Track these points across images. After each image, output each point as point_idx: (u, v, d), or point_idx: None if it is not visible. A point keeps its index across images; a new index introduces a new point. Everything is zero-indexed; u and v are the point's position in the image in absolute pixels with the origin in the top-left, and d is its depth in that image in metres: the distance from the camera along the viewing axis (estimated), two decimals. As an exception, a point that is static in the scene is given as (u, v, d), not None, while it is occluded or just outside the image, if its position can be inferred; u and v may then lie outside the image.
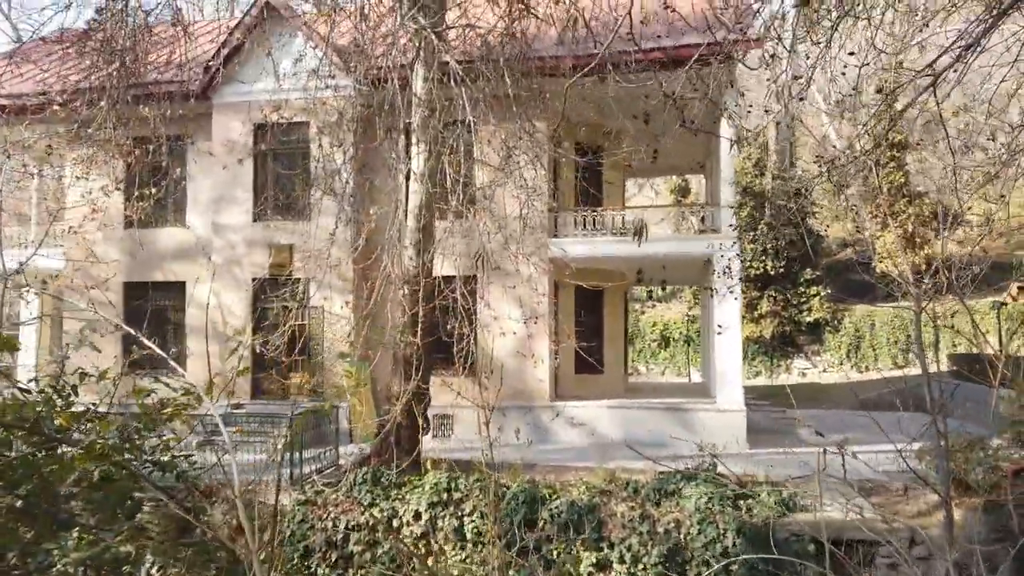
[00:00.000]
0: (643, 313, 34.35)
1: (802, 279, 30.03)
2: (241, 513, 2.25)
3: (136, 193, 13.24)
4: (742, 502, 9.93)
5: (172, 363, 3.06)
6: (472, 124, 9.98)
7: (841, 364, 29.55)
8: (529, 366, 16.09)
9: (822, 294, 29.91)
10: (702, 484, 10.13)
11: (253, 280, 16.61)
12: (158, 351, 2.69)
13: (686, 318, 31.55)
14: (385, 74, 11.78)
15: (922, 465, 9.84)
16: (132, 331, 2.86)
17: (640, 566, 9.49)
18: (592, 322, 18.67)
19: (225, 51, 16.08)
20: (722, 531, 9.42)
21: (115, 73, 9.93)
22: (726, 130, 16.07)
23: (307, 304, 16.02)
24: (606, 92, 12.62)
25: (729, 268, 14.09)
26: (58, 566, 2.28)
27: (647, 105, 14.71)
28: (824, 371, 29.67)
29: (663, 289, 32.20)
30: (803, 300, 29.99)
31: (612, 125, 16.58)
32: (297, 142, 16.60)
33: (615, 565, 9.63)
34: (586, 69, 6.66)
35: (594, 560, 9.69)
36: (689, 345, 31.36)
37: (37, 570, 2.38)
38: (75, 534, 2.26)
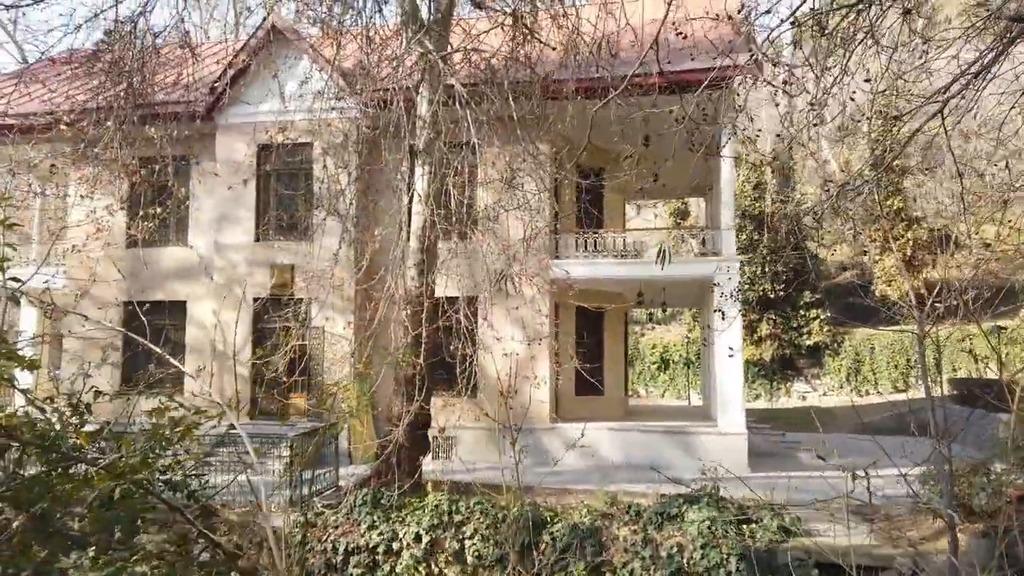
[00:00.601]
0: (643, 335, 34.34)
1: (802, 302, 30.08)
2: (269, 534, 2.24)
3: (141, 212, 13.28)
4: (745, 526, 9.86)
5: (206, 388, 3.10)
6: (476, 146, 10.05)
7: (841, 387, 29.51)
8: (530, 387, 16.06)
9: (822, 317, 29.95)
10: (705, 508, 10.06)
11: (255, 300, 16.60)
12: (187, 371, 2.71)
13: (686, 340, 31.53)
14: (390, 96, 11.89)
15: (926, 490, 9.79)
16: (159, 350, 2.87)
17: (643, 591, 9.39)
18: (593, 344, 18.66)
19: (231, 73, 16.22)
20: (725, 556, 9.33)
21: (122, 93, 10.01)
22: (727, 154, 16.24)
23: (308, 324, 16.00)
24: (609, 115, 12.78)
25: (737, 291, 14.14)
26: (72, 586, 2.27)
27: (647, 128, 14.88)
28: (824, 394, 29.61)
29: (664, 311, 32.19)
30: (803, 323, 30.03)
31: (614, 148, 16.71)
32: (300, 163, 16.70)
33: (617, 590, 9.54)
34: (614, 92, 6.73)
35: (596, 584, 9.59)
36: (689, 368, 31.31)
37: (51, 590, 2.37)
38: (91, 553, 2.25)
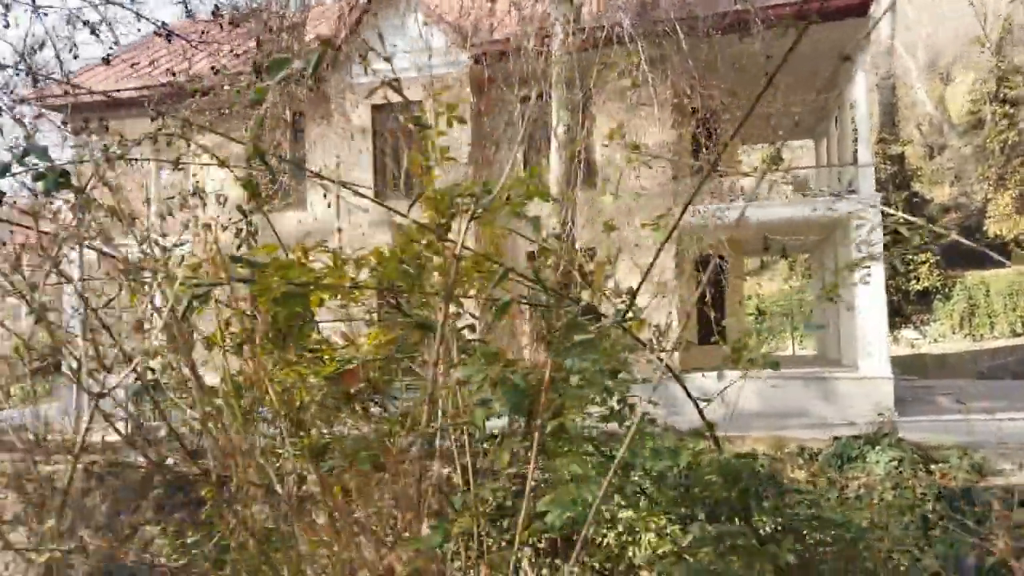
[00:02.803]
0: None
1: (908, 246, 28.78)
2: None
3: (311, 172, 13.43)
4: (934, 466, 9.50)
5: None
6: (649, 76, 9.69)
7: (953, 333, 28.30)
8: (658, 338, 15.80)
9: (931, 261, 28.63)
10: (887, 449, 9.73)
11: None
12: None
13: (789, 289, 30.72)
14: (520, 42, 11.62)
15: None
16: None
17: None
18: (714, 293, 18.26)
19: (343, 31, 16.11)
20: (919, 496, 9.02)
21: (277, 52, 10.02)
22: (860, 85, 15.44)
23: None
24: (749, 48, 12.23)
25: (877, 230, 13.54)
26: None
27: (770, 64, 14.19)
28: (935, 341, 28.47)
29: (784, 257, 31.23)
30: (910, 268, 28.77)
31: (746, 86, 15.99)
32: (417, 119, 16.59)
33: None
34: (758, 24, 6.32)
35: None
36: (789, 318, 30.49)
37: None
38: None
